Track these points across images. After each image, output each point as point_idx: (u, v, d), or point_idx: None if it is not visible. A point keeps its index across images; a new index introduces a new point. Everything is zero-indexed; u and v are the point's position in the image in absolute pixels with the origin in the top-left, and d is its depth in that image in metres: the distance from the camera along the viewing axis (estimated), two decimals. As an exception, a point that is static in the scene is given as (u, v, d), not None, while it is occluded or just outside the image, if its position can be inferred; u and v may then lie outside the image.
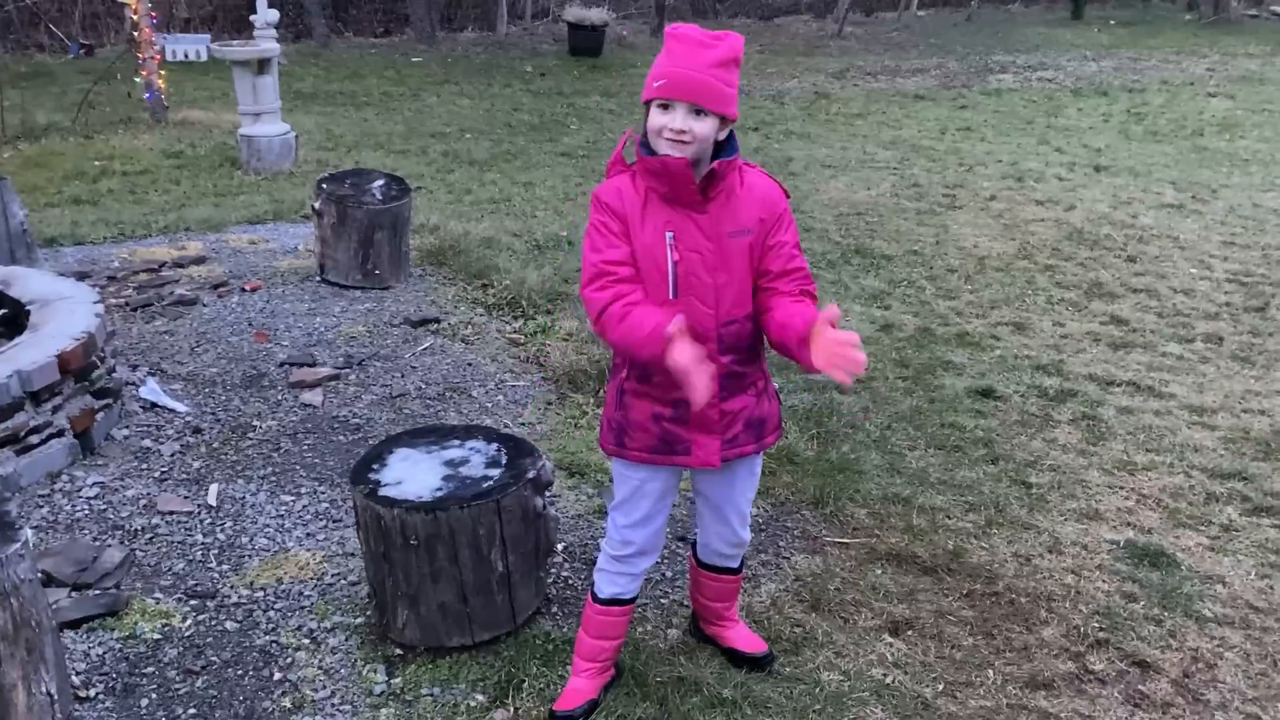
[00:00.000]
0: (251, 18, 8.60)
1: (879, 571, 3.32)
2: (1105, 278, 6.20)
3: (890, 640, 3.01)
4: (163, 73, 10.27)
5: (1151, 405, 4.54)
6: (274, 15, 8.48)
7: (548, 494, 3.01)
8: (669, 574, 3.29)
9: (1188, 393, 4.67)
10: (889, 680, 2.84)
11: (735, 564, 2.79)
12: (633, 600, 2.69)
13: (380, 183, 5.82)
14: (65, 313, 3.96)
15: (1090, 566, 3.38)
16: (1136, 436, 4.25)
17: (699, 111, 2.17)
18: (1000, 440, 4.17)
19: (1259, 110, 11.96)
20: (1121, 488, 3.87)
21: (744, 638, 2.90)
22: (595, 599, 2.66)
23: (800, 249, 2.38)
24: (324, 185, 5.66)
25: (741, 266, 2.31)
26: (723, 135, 2.24)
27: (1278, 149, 9.93)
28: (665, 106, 2.19)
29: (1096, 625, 3.09)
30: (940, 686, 2.83)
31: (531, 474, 2.88)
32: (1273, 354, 5.11)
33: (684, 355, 2.08)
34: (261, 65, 8.34)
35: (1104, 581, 3.31)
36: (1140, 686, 2.86)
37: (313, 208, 5.68)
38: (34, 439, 3.61)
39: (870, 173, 8.81)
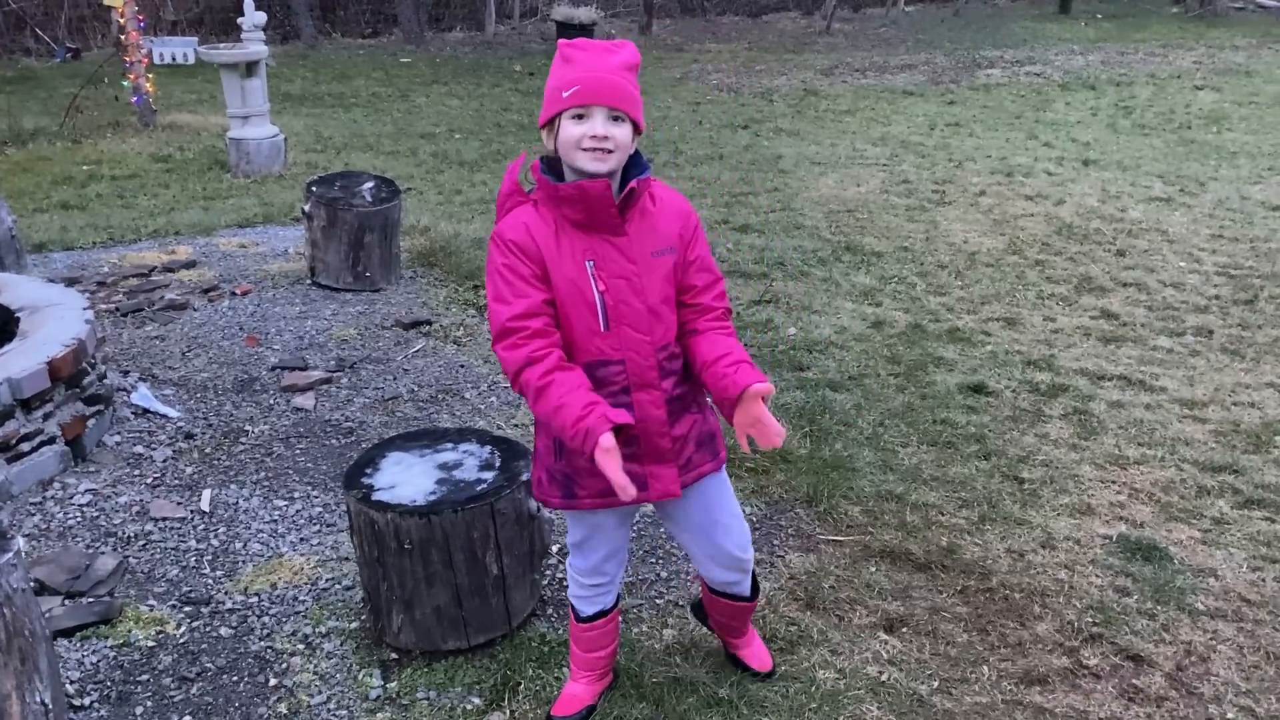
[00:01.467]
0: (239, 20, 8.57)
1: (873, 569, 3.33)
2: (1095, 272, 6.22)
3: (885, 638, 3.02)
4: (150, 76, 10.23)
5: (1142, 399, 4.55)
6: (261, 17, 8.46)
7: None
8: (663, 574, 3.30)
9: (1178, 386, 4.68)
10: (884, 678, 2.85)
11: (745, 589, 2.62)
12: (617, 606, 2.64)
13: (370, 184, 5.81)
14: (55, 319, 3.95)
15: (1083, 561, 3.39)
16: (1128, 430, 4.27)
17: (617, 117, 2.04)
18: (992, 436, 4.18)
19: (1246, 103, 12.00)
20: (1113, 482, 3.88)
21: (754, 654, 2.83)
22: (579, 618, 2.60)
23: (713, 259, 2.31)
24: (313, 188, 5.64)
25: (668, 286, 2.20)
26: (634, 145, 2.13)
27: (1265, 141, 9.97)
28: (580, 116, 2.03)
29: (1090, 620, 3.10)
30: (935, 683, 2.84)
31: (525, 476, 2.88)
32: (1262, 346, 5.13)
33: (611, 470, 2.01)
34: (249, 68, 8.32)
35: (1097, 576, 3.32)
36: (1134, 680, 2.87)
37: (302, 210, 5.66)
38: (25, 446, 3.60)
39: (860, 169, 8.83)
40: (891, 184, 8.30)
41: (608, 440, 2.01)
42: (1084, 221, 7.24)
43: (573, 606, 2.61)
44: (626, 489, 2.04)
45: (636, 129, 2.10)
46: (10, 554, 2.42)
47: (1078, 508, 3.71)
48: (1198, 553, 3.45)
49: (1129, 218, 7.36)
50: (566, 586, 2.79)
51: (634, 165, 2.15)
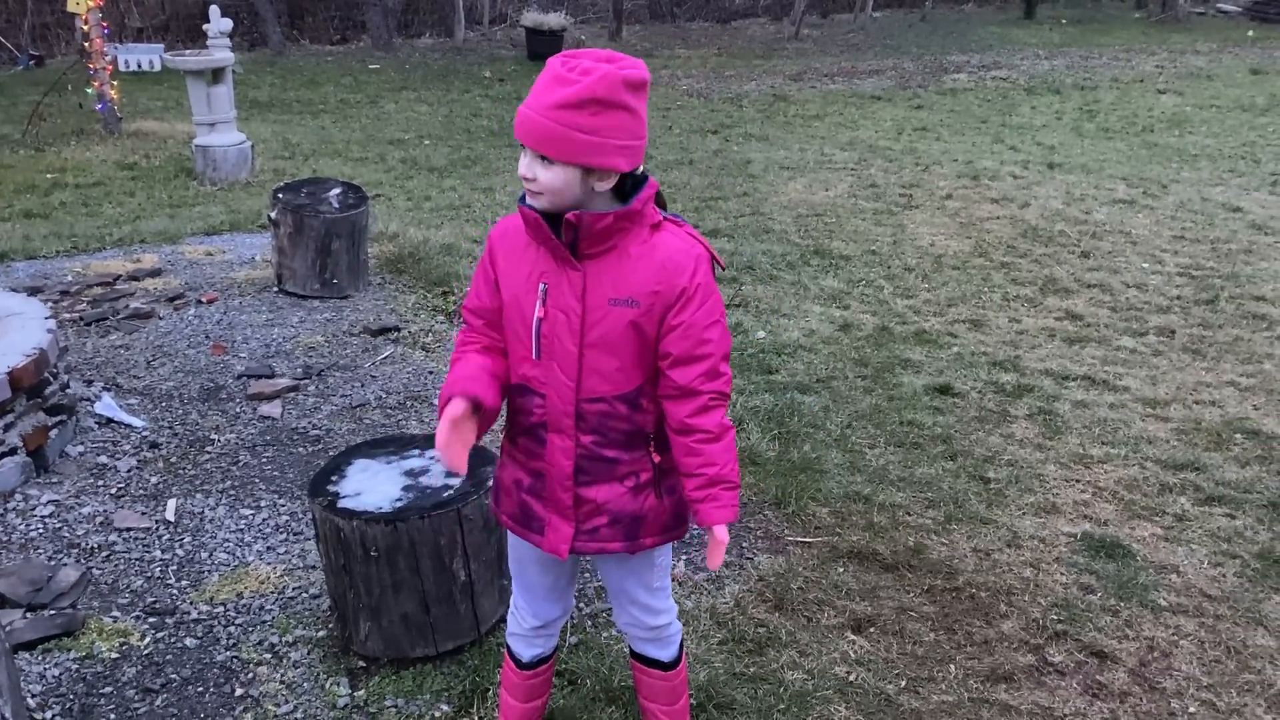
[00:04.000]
0: (205, 27, 8.51)
1: (841, 570, 3.35)
2: (1060, 274, 6.29)
3: (853, 638, 3.04)
4: (115, 83, 10.13)
5: (1106, 399, 4.61)
6: (227, 24, 8.40)
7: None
8: (633, 578, 3.30)
9: (1141, 385, 4.75)
10: (852, 678, 2.87)
11: (664, 656, 2.37)
12: (556, 651, 2.47)
13: (337, 191, 5.78)
14: (16, 329, 3.90)
15: (1048, 559, 3.43)
16: (1092, 430, 4.32)
17: (545, 159, 1.86)
18: (958, 437, 4.22)
19: (1207, 106, 12.18)
20: (1078, 481, 3.93)
21: None
22: (517, 664, 2.41)
23: (720, 331, 1.99)
24: (280, 194, 5.61)
25: (624, 342, 1.97)
26: (604, 186, 1.89)
27: (1225, 144, 10.12)
28: (523, 146, 1.89)
29: (1055, 617, 3.13)
30: (903, 683, 2.86)
31: (492, 482, 2.87)
32: (1223, 345, 5.21)
33: (440, 432, 1.93)
34: (216, 75, 8.26)
35: (1062, 574, 3.36)
36: (1098, 676, 2.90)
37: (269, 217, 5.63)
38: (-14, 458, 3.55)
39: (828, 174, 8.88)
40: (859, 188, 8.36)
41: (455, 406, 1.94)
42: (1049, 224, 7.32)
43: (509, 649, 2.42)
44: (447, 456, 1.94)
45: (594, 170, 1.86)
46: (-32, 566, 2.40)
47: (1043, 507, 3.74)
48: (1160, 549, 3.50)
49: (1093, 220, 7.45)
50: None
51: (631, 196, 1.93)
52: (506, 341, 2.09)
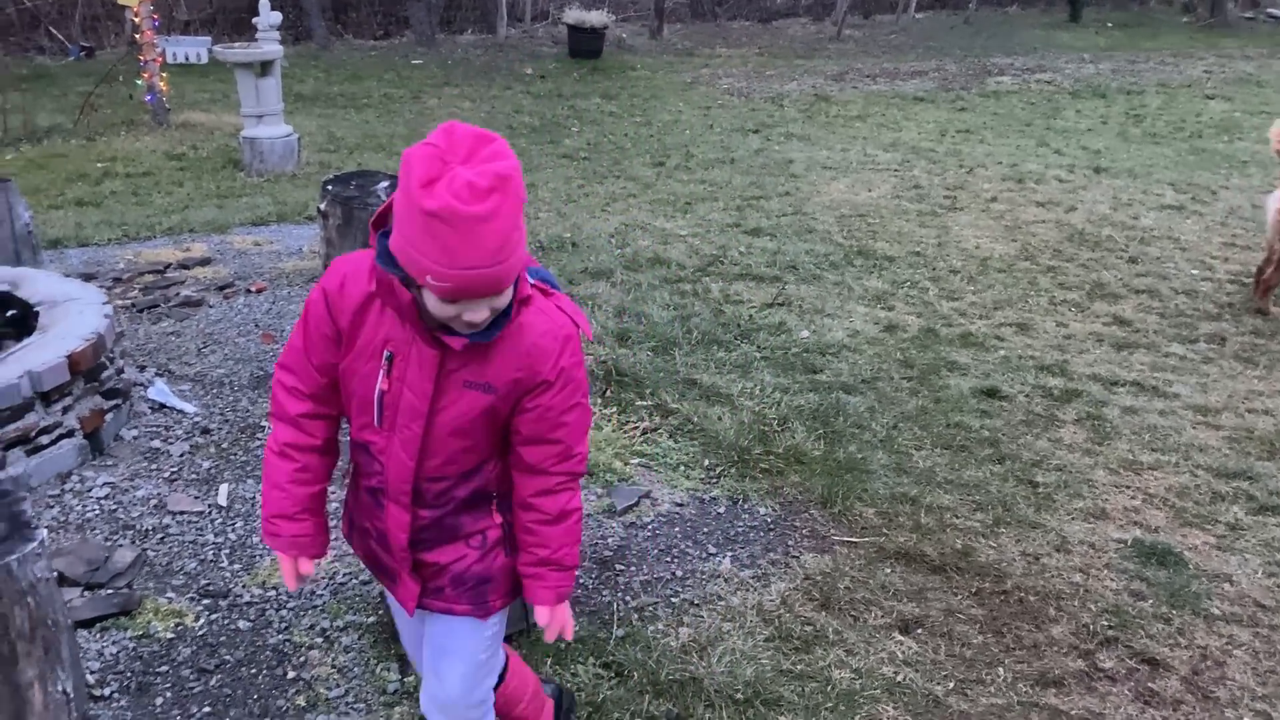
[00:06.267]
0: (254, 20, 8.61)
1: (888, 570, 3.33)
2: (1107, 278, 6.22)
3: (900, 638, 3.02)
4: (164, 75, 10.27)
5: (1156, 405, 4.55)
6: (277, 17, 8.49)
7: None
8: (678, 573, 3.31)
9: (1191, 393, 4.69)
10: (900, 678, 2.86)
11: None
12: None
13: (385, 184, 5.80)
14: (74, 314, 3.97)
15: (1098, 565, 3.40)
16: (1142, 436, 4.27)
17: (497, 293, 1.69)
18: (1006, 440, 4.19)
19: (1257, 112, 11.99)
20: (1128, 487, 3.89)
21: None
22: None
23: (579, 414, 1.88)
24: (329, 186, 5.63)
25: (472, 423, 1.84)
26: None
27: (1277, 151, 9.96)
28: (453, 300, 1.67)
29: (1105, 623, 3.10)
30: (951, 684, 2.85)
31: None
32: (1275, 354, 5.13)
33: (285, 571, 2.04)
34: (264, 67, 8.35)
35: (1112, 580, 3.32)
36: (1150, 684, 2.87)
37: (318, 209, 5.68)
38: (44, 439, 3.62)
39: (871, 174, 8.84)
40: (903, 189, 8.31)
41: (305, 566, 2.03)
42: (1096, 228, 7.25)
43: None
44: (287, 579, 2.06)
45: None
46: (35, 544, 2.44)
47: (1092, 512, 3.71)
48: (1212, 558, 3.46)
49: (1141, 225, 7.36)
50: (584, 581, 2.65)
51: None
52: (344, 400, 1.93)
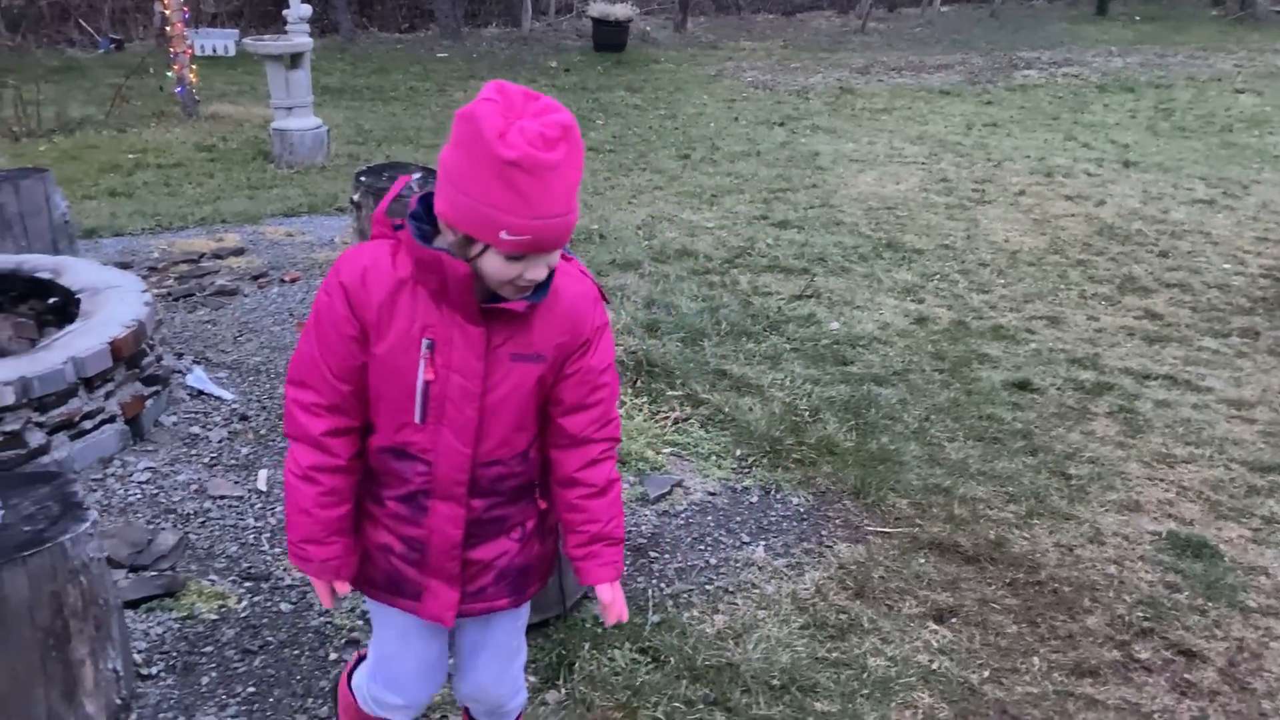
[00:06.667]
0: (284, 12, 8.67)
1: (922, 560, 3.34)
2: (1138, 272, 6.19)
3: (935, 627, 3.04)
4: (193, 67, 10.36)
5: (1189, 399, 4.54)
6: (307, 10, 8.55)
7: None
8: (712, 560, 3.33)
9: (1225, 387, 4.67)
10: (935, 666, 2.87)
11: None
12: None
13: (418, 175, 5.85)
14: (115, 301, 4.02)
15: (1132, 557, 3.40)
16: (1175, 429, 4.26)
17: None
18: (1038, 432, 4.19)
19: (1288, 106, 11.87)
20: (1161, 480, 3.88)
21: None
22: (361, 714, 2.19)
23: (613, 374, 1.88)
24: (362, 178, 5.69)
25: (523, 399, 1.80)
26: None
27: (1309, 145, 9.87)
28: (518, 257, 1.63)
29: (1140, 615, 3.10)
30: (986, 673, 2.86)
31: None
32: (1309, 349, 5.10)
33: (321, 593, 1.96)
34: (294, 60, 8.41)
35: (1146, 572, 3.32)
36: (1186, 675, 2.88)
37: (351, 200, 5.72)
38: (87, 424, 3.67)
39: (898, 167, 8.81)
40: (930, 182, 8.28)
41: (342, 588, 1.94)
42: (1126, 222, 7.21)
43: (354, 689, 2.22)
44: (324, 600, 1.96)
45: None
46: (87, 524, 2.49)
47: (1126, 504, 3.71)
48: (1248, 551, 3.45)
49: (1171, 219, 7.32)
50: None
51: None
52: (372, 404, 1.82)
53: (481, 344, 1.73)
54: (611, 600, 1.94)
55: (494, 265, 1.64)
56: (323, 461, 1.83)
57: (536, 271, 1.65)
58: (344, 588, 1.95)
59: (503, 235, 1.58)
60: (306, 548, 1.88)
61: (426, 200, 1.71)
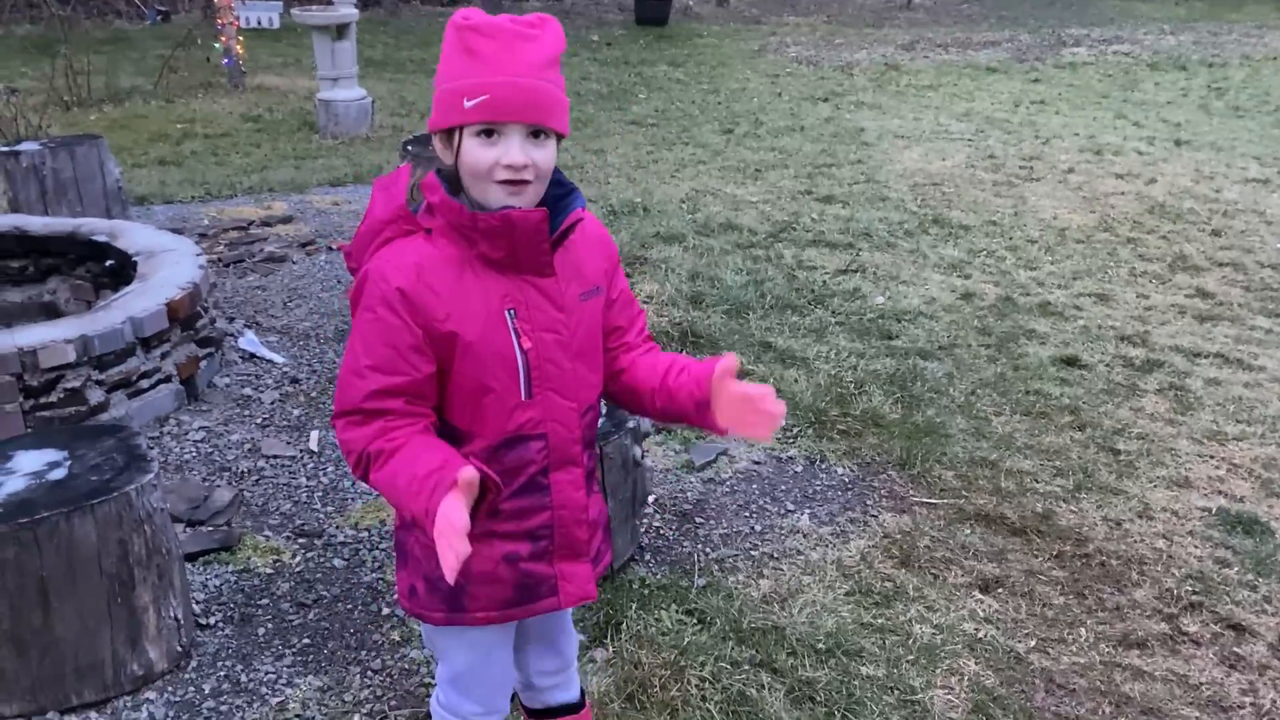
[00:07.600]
0: (331, -16, 8.73)
1: (968, 531, 3.34)
2: (1189, 251, 6.10)
3: (981, 597, 3.04)
4: (240, 39, 10.45)
5: (1240, 377, 4.48)
6: (353, -19, 8.60)
7: (644, 445, 3.08)
8: (757, 527, 3.34)
9: (1277, 366, 4.60)
10: (981, 634, 2.87)
11: (573, 693, 2.10)
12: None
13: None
14: (171, 264, 4.09)
15: (1181, 532, 3.37)
16: (1226, 407, 4.21)
17: (539, 133, 1.57)
18: (1086, 408, 4.15)
19: (1347, 86, 11.61)
20: (1212, 457, 3.84)
21: None
22: None
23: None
24: (409, 147, 5.74)
25: (595, 334, 1.77)
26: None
27: (1367, 125, 9.65)
28: (489, 133, 1.54)
29: (1189, 589, 3.08)
30: (1033, 642, 2.85)
31: (631, 423, 2.94)
32: (1365, 329, 5.01)
33: (458, 517, 1.46)
34: (340, 31, 8.46)
35: (1195, 547, 3.30)
36: (1235, 649, 2.86)
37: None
38: (144, 384, 3.75)
39: (944, 144, 8.73)
40: (977, 159, 8.20)
41: (468, 472, 1.49)
42: (1177, 201, 7.10)
43: None
44: (449, 560, 1.45)
45: (561, 138, 1.62)
46: (151, 475, 2.55)
47: (1175, 480, 3.67)
48: (1300, 529, 3.41)
49: (1224, 198, 7.19)
50: (664, 531, 2.62)
51: (557, 183, 1.68)
52: (475, 402, 1.67)
53: (557, 294, 1.68)
54: (750, 387, 1.68)
55: (471, 154, 1.55)
56: (407, 424, 1.63)
57: (511, 153, 1.54)
58: (469, 472, 1.51)
59: (465, 103, 1.52)
60: (439, 474, 1.52)
61: (444, 179, 1.62)
